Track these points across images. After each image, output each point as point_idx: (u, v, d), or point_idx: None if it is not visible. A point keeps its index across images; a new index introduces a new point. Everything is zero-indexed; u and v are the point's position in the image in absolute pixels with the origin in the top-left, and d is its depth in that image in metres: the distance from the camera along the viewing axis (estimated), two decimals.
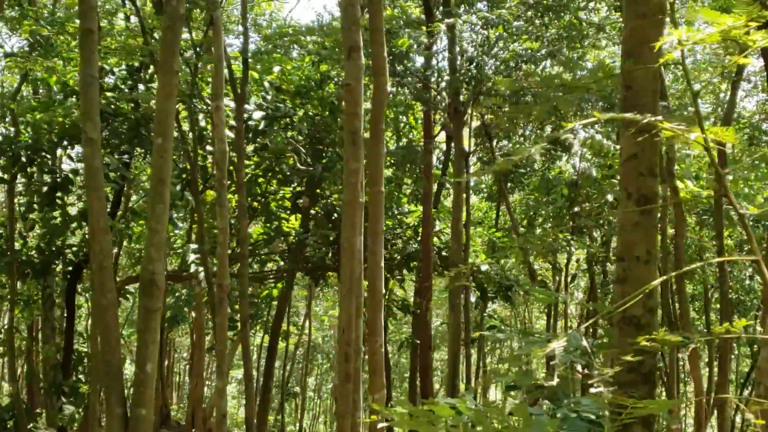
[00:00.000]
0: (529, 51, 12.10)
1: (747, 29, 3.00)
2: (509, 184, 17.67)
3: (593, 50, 15.52)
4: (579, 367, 4.19)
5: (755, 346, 17.02)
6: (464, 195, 13.19)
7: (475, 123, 15.83)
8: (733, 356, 18.25)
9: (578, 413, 3.82)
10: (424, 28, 12.06)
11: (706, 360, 16.19)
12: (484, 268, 13.02)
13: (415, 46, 11.58)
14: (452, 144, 15.79)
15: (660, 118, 3.41)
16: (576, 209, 15.42)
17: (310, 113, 13.62)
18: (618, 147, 15.85)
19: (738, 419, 17.52)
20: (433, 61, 13.14)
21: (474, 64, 11.80)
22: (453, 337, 12.26)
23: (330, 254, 13.36)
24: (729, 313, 13.39)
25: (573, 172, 16.59)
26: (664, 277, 4.20)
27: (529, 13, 12.64)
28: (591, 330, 18.09)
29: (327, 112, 13.40)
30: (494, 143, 16.78)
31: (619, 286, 4.03)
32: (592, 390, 3.84)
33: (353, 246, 6.81)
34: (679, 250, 11.78)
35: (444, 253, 13.90)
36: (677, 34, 3.18)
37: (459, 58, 12.01)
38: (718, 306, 15.30)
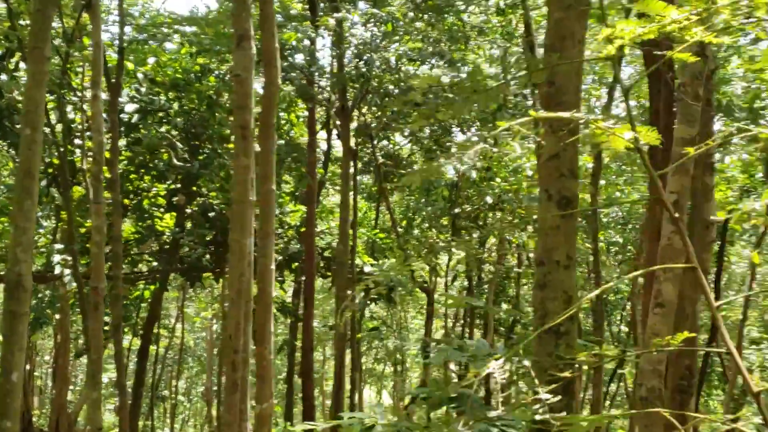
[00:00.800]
0: (417, 50, 11.96)
1: (686, 24, 2.85)
2: (389, 185, 17.56)
3: (478, 52, 15.61)
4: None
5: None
6: (351, 195, 12.91)
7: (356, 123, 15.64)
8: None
9: (499, 428, 3.62)
10: (307, 23, 11.72)
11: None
12: (367, 269, 12.81)
13: (303, 41, 11.23)
14: (331, 143, 15.53)
15: (591, 116, 3.23)
16: (456, 210, 15.45)
17: (187, 107, 13.03)
18: (497, 150, 16.00)
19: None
20: (319, 56, 12.83)
21: (362, 61, 11.55)
22: (339, 338, 11.97)
23: (207, 254, 12.81)
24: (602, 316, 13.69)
25: (453, 173, 16.62)
26: (599, 290, 4.05)
27: (411, 14, 12.53)
28: (468, 330, 18.27)
29: (204, 106, 12.84)
30: (375, 143, 16.62)
31: (539, 292, 3.84)
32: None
33: (243, 248, 6.39)
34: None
35: (326, 254, 13.60)
36: (606, 32, 3.01)
37: (347, 54, 11.74)
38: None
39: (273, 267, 7.02)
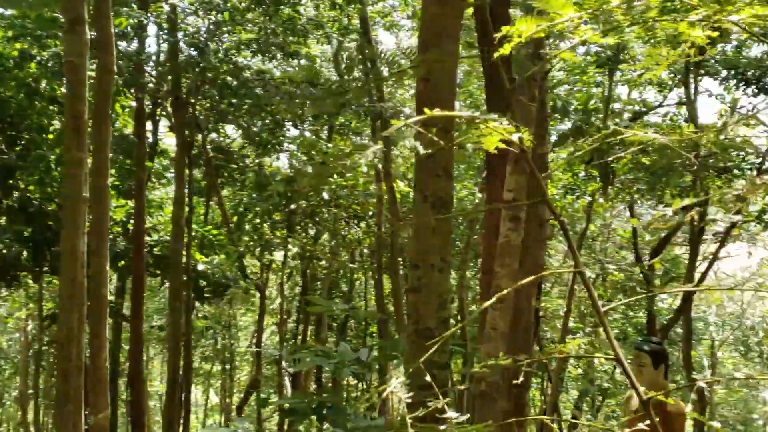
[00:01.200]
0: (254, 42, 11.59)
1: (577, 23, 2.79)
2: (220, 180, 17.03)
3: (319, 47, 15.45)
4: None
5: None
6: (186, 190, 12.31)
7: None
8: None
9: None
10: (134, 8, 11.06)
11: None
12: (200, 267, 12.30)
13: (133, 28, 10.56)
14: (158, 134, 14.84)
15: (469, 114, 3.12)
16: (292, 206, 15.20)
17: (3, 95, 11.98)
18: (330, 145, 15.86)
19: None
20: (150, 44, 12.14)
21: (198, 50, 11.03)
22: (173, 339, 11.40)
23: (25, 253, 11.82)
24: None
25: (287, 169, 16.35)
26: (488, 303, 3.98)
27: (244, 4, 12.17)
28: (302, 327, 18.09)
29: (23, 95, 11.84)
30: (205, 135, 16.05)
31: (413, 295, 3.71)
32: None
33: (76, 248, 5.86)
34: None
35: (156, 251, 12.93)
36: (505, 29, 2.90)
37: (181, 43, 11.18)
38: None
39: (108, 268, 6.52)
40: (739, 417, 20.71)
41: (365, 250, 17.08)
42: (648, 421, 6.19)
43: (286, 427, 15.61)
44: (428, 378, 2.36)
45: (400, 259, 13.41)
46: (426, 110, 3.15)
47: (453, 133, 3.34)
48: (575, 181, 13.25)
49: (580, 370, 19.64)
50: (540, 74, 9.30)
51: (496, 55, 2.57)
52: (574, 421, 11.78)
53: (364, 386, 18.12)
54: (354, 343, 18.96)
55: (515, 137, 3.07)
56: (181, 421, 13.21)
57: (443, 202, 3.60)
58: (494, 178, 8.67)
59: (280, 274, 17.07)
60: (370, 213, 15.56)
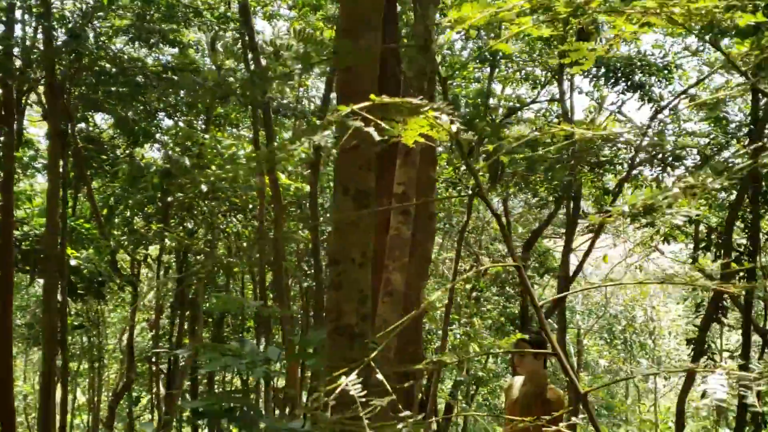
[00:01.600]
0: (131, 27, 11.11)
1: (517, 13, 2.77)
2: (89, 171, 16.27)
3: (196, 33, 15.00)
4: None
5: None
6: (61, 182, 11.65)
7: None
8: None
9: None
10: None
11: None
12: (73, 262, 11.69)
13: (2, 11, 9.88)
14: (23, 123, 14.04)
15: (416, 101, 3.05)
16: (169, 199, 14.70)
17: None
18: (207, 137, 15.47)
19: None
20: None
21: (73, 36, 10.42)
22: (48, 339, 10.75)
23: None
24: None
25: (163, 160, 15.81)
26: (419, 311, 3.90)
27: None
28: (178, 323, 17.55)
29: None
30: (74, 124, 15.29)
31: (333, 292, 3.60)
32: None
33: None
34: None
35: (24, 246, 12.19)
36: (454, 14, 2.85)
37: (56, 27, 10.54)
38: None
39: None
40: (603, 402, 21.65)
41: (245, 244, 16.74)
42: (534, 408, 6.32)
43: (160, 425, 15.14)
44: (380, 376, 2.27)
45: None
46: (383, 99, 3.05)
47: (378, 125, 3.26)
48: (457, 174, 13.45)
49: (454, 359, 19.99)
50: (430, 68, 9.36)
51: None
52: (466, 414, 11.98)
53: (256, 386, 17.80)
54: (231, 339, 18.59)
55: (454, 128, 3.03)
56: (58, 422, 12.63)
57: (365, 196, 3.52)
58: (383, 171, 8.63)
59: (154, 268, 16.49)
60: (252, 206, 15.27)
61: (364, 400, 2.29)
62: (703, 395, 12.97)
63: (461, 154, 3.27)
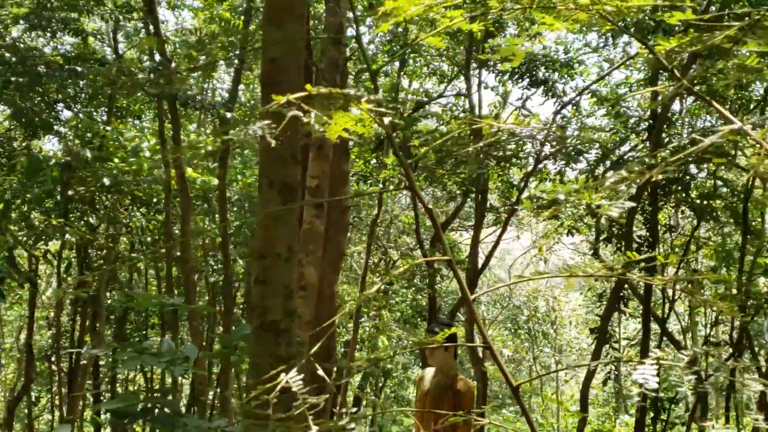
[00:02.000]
0: (30, 15, 10.65)
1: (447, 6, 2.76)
2: None
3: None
4: None
5: None
6: None
7: None
8: None
9: None
10: None
11: None
12: None
13: None
14: None
15: (351, 92, 3.00)
16: (69, 193, 14.18)
17: None
18: (109, 129, 14.97)
19: None
20: None
21: None
22: None
23: None
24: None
25: (63, 153, 15.23)
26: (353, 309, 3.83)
27: None
28: (80, 320, 16.98)
29: None
30: None
31: (259, 288, 3.52)
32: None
33: None
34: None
35: None
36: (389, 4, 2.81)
37: None
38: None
39: None
40: (507, 391, 22.09)
41: (149, 239, 16.32)
42: (445, 399, 6.37)
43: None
44: (320, 372, 2.23)
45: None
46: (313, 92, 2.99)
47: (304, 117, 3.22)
48: (368, 168, 13.46)
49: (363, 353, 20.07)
50: (342, 60, 9.31)
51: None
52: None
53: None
54: (135, 336, 18.11)
55: (387, 120, 3.01)
56: None
57: (290, 189, 3.45)
58: None
59: (54, 264, 15.88)
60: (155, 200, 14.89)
61: (300, 398, 2.25)
62: (604, 382, 13.41)
63: (393, 148, 3.26)
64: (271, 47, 3.43)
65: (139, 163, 14.34)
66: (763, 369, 10.90)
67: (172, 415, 3.59)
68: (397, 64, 13.91)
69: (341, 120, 2.87)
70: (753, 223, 11.63)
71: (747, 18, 2.48)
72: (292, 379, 2.18)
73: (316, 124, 2.63)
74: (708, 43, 2.44)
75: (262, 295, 3.47)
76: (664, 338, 12.33)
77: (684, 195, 11.40)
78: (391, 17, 2.59)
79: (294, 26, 3.40)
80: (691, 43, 2.47)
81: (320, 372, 2.94)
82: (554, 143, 12.47)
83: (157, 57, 12.09)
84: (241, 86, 15.08)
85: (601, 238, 12.54)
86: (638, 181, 2.26)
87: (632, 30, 8.15)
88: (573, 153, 12.66)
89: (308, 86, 2.28)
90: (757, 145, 2.16)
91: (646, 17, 7.83)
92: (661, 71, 9.85)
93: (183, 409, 11.75)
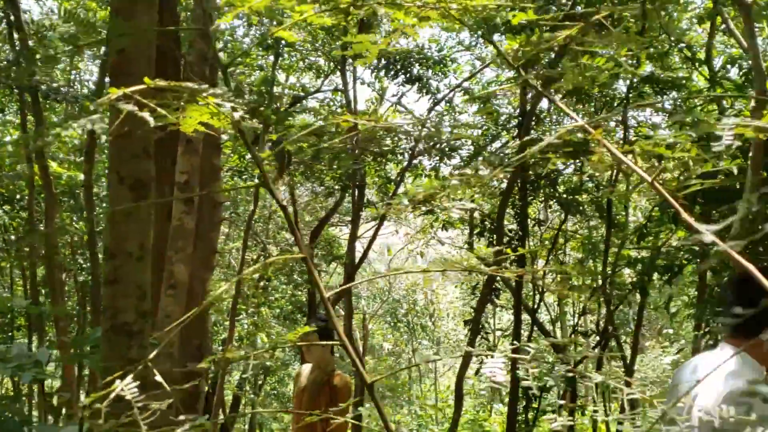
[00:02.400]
0: None
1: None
2: None
3: None
4: None
5: None
6: None
7: None
8: None
9: None
10: None
11: None
12: None
13: None
14: None
15: (194, 85, 2.90)
16: None
17: None
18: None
19: None
20: None
21: None
22: None
23: None
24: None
25: None
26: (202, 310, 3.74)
27: None
28: None
29: None
30: None
31: (110, 288, 3.38)
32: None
33: None
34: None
35: None
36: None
37: None
38: None
39: None
40: (386, 385, 22.28)
41: (13, 237, 15.56)
42: (322, 395, 6.35)
43: None
44: (159, 377, 2.15)
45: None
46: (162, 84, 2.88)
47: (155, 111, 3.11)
48: (243, 163, 13.26)
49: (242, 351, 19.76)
50: (212, 53, 9.10)
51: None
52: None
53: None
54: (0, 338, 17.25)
55: (237, 116, 2.93)
56: None
57: (142, 185, 3.33)
58: (165, 158, 8.32)
59: None
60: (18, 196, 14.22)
61: (141, 403, 2.16)
62: (477, 372, 13.71)
63: (245, 143, 3.19)
64: (119, 38, 3.30)
65: (1, 157, 13.67)
66: (627, 356, 11.38)
67: (18, 422, 3.41)
68: (271, 57, 13.75)
69: (195, 114, 2.78)
70: (617, 217, 12.11)
71: (591, 18, 2.56)
72: (127, 386, 2.09)
73: (164, 118, 2.52)
74: (550, 43, 2.50)
75: (113, 295, 3.34)
76: (535, 328, 12.71)
77: (552, 190, 11.76)
78: (235, 8, 2.52)
79: (143, 17, 3.28)
80: (537, 42, 2.52)
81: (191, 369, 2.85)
82: (428, 140, 12.63)
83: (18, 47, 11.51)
84: (108, 78, 14.54)
85: (474, 233, 12.79)
86: (504, 176, 2.29)
87: (485, 29, 8.32)
88: (447, 149, 12.87)
89: (146, 79, 2.19)
90: (597, 141, 2.22)
91: (498, 17, 8.04)
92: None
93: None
